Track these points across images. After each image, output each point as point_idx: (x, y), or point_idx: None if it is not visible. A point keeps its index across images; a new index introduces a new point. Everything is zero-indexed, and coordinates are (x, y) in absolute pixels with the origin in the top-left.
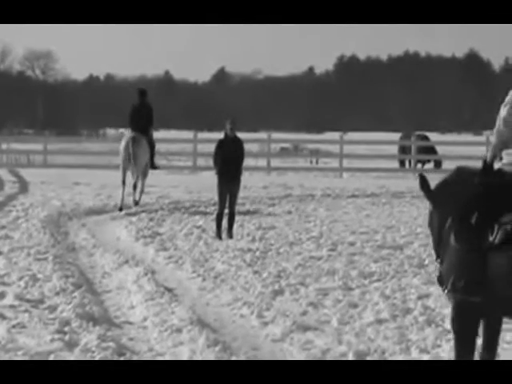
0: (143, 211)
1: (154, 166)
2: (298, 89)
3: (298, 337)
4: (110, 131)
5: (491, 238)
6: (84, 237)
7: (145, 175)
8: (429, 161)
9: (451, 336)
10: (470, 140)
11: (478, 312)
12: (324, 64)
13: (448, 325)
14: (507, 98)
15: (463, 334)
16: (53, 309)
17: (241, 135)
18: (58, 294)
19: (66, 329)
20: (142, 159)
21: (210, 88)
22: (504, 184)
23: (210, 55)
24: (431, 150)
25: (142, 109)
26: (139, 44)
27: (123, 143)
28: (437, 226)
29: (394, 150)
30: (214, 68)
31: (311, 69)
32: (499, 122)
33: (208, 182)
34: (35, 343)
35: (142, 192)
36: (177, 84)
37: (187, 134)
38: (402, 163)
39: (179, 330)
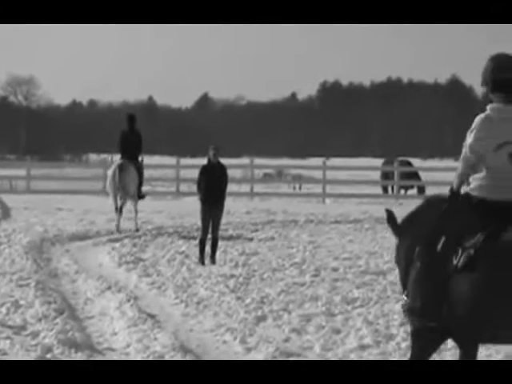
0: (126, 237)
1: (140, 195)
2: (281, 114)
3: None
4: (93, 156)
5: (455, 262)
6: (66, 263)
7: (135, 201)
8: (412, 186)
9: (451, 345)
10: (452, 166)
11: (435, 339)
12: (307, 90)
13: None
14: (473, 125)
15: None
16: (35, 335)
17: (224, 161)
18: (40, 320)
19: (48, 355)
20: (130, 186)
21: (192, 114)
22: (469, 209)
23: (193, 81)
24: (415, 176)
25: (131, 135)
26: (122, 70)
27: (111, 171)
28: (404, 258)
29: (376, 175)
30: (197, 94)
31: (294, 94)
32: (465, 149)
33: (191, 208)
34: None
35: (136, 216)
36: (160, 110)
37: (170, 160)
38: (385, 189)
39: (162, 357)
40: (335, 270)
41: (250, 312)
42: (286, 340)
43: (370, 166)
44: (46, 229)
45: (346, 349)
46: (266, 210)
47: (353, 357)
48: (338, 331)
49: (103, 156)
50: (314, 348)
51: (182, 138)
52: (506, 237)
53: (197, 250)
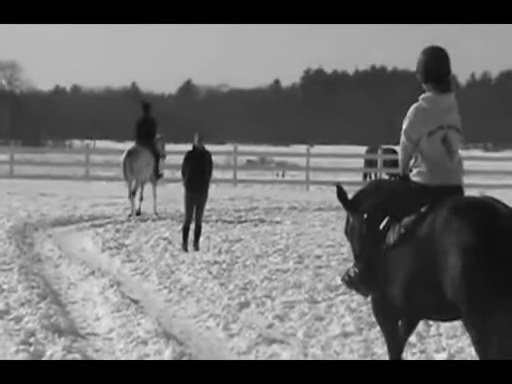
0: (109, 222)
1: (157, 175)
2: (264, 101)
3: (263, 349)
4: (76, 142)
5: (391, 239)
6: (50, 248)
7: (154, 183)
8: (398, 174)
9: (416, 350)
10: None
11: (388, 308)
12: (290, 77)
13: (412, 338)
14: (407, 114)
15: (381, 326)
16: (18, 320)
17: (207, 147)
18: (23, 304)
19: (32, 340)
20: (141, 170)
21: (176, 100)
22: (410, 193)
23: (176, 68)
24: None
25: (146, 122)
26: (106, 55)
27: (123, 157)
28: (357, 231)
29: (360, 163)
30: (181, 80)
31: (277, 82)
32: (402, 138)
33: (174, 194)
34: (0, 354)
35: (156, 199)
36: (143, 96)
37: None
38: (365, 177)
39: (145, 342)
40: (318, 257)
41: (233, 298)
42: (269, 326)
43: (354, 154)
44: (29, 214)
45: (329, 336)
46: (250, 197)
47: (336, 344)
48: (321, 318)
49: (86, 142)
50: (297, 334)
51: (166, 125)
52: (431, 220)
53: (180, 237)
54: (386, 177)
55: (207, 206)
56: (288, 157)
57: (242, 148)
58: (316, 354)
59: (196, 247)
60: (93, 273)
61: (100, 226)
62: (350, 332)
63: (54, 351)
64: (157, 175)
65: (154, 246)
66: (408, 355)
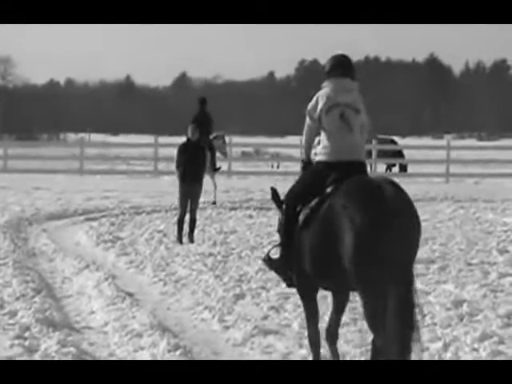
0: (104, 216)
1: (214, 168)
2: (259, 93)
3: (259, 341)
4: (71, 135)
5: (301, 220)
6: (44, 242)
7: (212, 176)
8: (394, 165)
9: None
10: (430, 144)
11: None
12: (285, 68)
13: None
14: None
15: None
16: (13, 314)
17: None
18: (17, 299)
19: (26, 334)
20: None
21: (170, 92)
22: (316, 173)
23: (170, 60)
24: (398, 154)
25: (202, 117)
26: (100, 49)
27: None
28: (280, 220)
29: None
30: (175, 73)
31: (272, 73)
32: (306, 118)
33: (169, 187)
34: None
35: (215, 190)
36: (138, 89)
37: (148, 139)
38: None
39: (140, 335)
40: None
41: (229, 290)
42: (265, 318)
43: None
44: (23, 208)
45: (324, 326)
46: (245, 189)
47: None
48: None
49: (81, 135)
50: (292, 326)
51: (160, 117)
52: (331, 203)
53: (175, 229)
54: (383, 166)
55: (202, 198)
56: (283, 148)
57: (236, 139)
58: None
59: (191, 239)
60: (87, 266)
61: (94, 219)
62: (344, 322)
63: (49, 345)
64: (213, 168)
65: (148, 239)
66: None
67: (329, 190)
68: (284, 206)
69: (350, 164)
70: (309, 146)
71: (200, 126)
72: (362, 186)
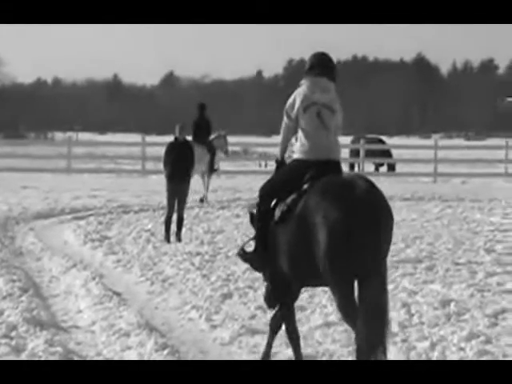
0: (91, 215)
1: (212, 169)
2: (247, 92)
3: (246, 340)
4: (58, 134)
5: (277, 216)
6: (31, 241)
7: (208, 177)
8: (382, 164)
9: (398, 339)
10: (419, 143)
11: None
12: (273, 68)
13: (395, 328)
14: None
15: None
16: None
17: (190, 139)
18: (4, 298)
19: (13, 333)
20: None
21: (158, 92)
22: (293, 170)
23: (158, 59)
24: (387, 154)
25: (201, 122)
26: (87, 47)
27: None
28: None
29: (345, 152)
30: (163, 72)
31: (260, 72)
32: (284, 117)
33: (157, 186)
34: None
35: (207, 191)
36: (125, 87)
37: (136, 138)
38: (352, 166)
39: (127, 334)
40: None
41: (216, 290)
42: (252, 317)
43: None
44: (10, 207)
45: (312, 326)
46: (232, 188)
47: (318, 334)
48: (303, 308)
49: (68, 134)
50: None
51: (148, 116)
52: (306, 200)
53: (162, 228)
54: (371, 166)
55: (190, 198)
56: (271, 147)
57: None
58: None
59: (178, 239)
60: (75, 265)
61: (82, 218)
62: (332, 322)
63: (36, 344)
64: (211, 169)
65: (136, 238)
66: (390, 345)
67: (305, 186)
68: (258, 200)
69: (326, 163)
70: (285, 146)
71: (199, 131)
72: (337, 183)
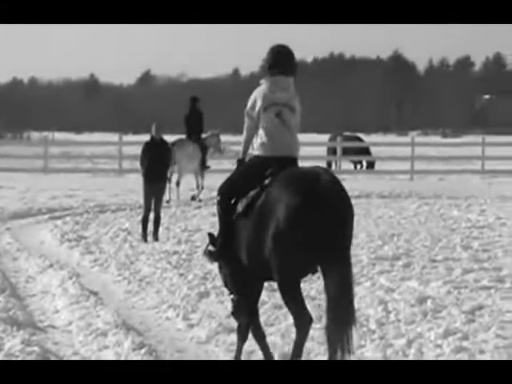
0: (68, 214)
1: (204, 166)
2: (224, 91)
3: (223, 339)
4: (34, 134)
5: (239, 210)
6: (8, 241)
7: (201, 175)
8: (360, 162)
9: (375, 336)
10: (396, 141)
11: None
12: (249, 66)
13: (372, 325)
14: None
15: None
16: None
17: (166, 138)
18: None
19: None
20: (183, 161)
21: (135, 91)
22: (255, 167)
23: (135, 58)
24: (365, 151)
25: (192, 115)
26: (64, 47)
27: None
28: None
29: (321, 151)
30: (140, 71)
31: (236, 71)
32: (245, 117)
33: (134, 185)
34: None
35: (201, 189)
36: (102, 87)
37: (113, 137)
38: (329, 164)
39: (104, 334)
40: None
41: (193, 288)
42: (229, 316)
43: (314, 142)
44: None
45: (289, 324)
46: (208, 187)
47: (294, 331)
48: (280, 307)
49: (44, 134)
50: None
51: (124, 115)
52: (268, 192)
53: (139, 227)
54: (350, 164)
55: (183, 196)
56: None
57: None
58: (276, 342)
59: (155, 238)
60: (51, 265)
61: (59, 218)
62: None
63: (13, 344)
64: (203, 167)
65: (113, 238)
66: (368, 342)
67: (267, 181)
68: (219, 198)
69: (286, 159)
70: (247, 146)
71: (191, 126)
72: (297, 174)
